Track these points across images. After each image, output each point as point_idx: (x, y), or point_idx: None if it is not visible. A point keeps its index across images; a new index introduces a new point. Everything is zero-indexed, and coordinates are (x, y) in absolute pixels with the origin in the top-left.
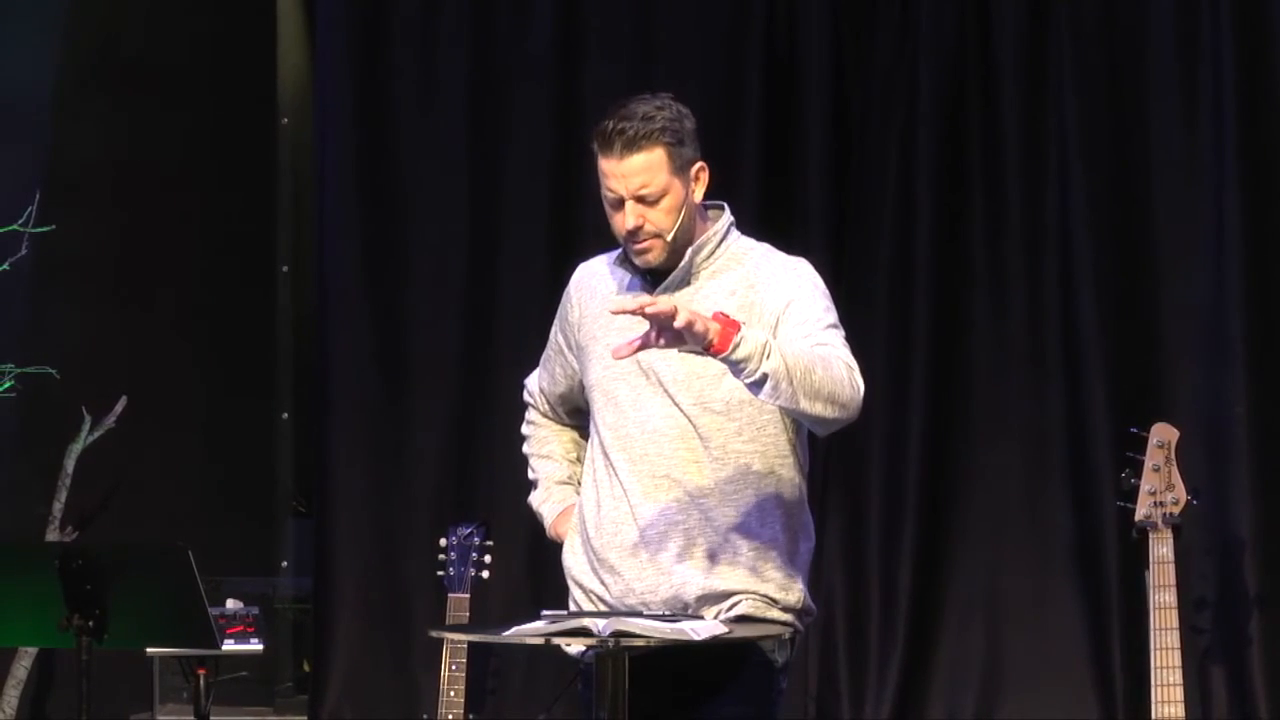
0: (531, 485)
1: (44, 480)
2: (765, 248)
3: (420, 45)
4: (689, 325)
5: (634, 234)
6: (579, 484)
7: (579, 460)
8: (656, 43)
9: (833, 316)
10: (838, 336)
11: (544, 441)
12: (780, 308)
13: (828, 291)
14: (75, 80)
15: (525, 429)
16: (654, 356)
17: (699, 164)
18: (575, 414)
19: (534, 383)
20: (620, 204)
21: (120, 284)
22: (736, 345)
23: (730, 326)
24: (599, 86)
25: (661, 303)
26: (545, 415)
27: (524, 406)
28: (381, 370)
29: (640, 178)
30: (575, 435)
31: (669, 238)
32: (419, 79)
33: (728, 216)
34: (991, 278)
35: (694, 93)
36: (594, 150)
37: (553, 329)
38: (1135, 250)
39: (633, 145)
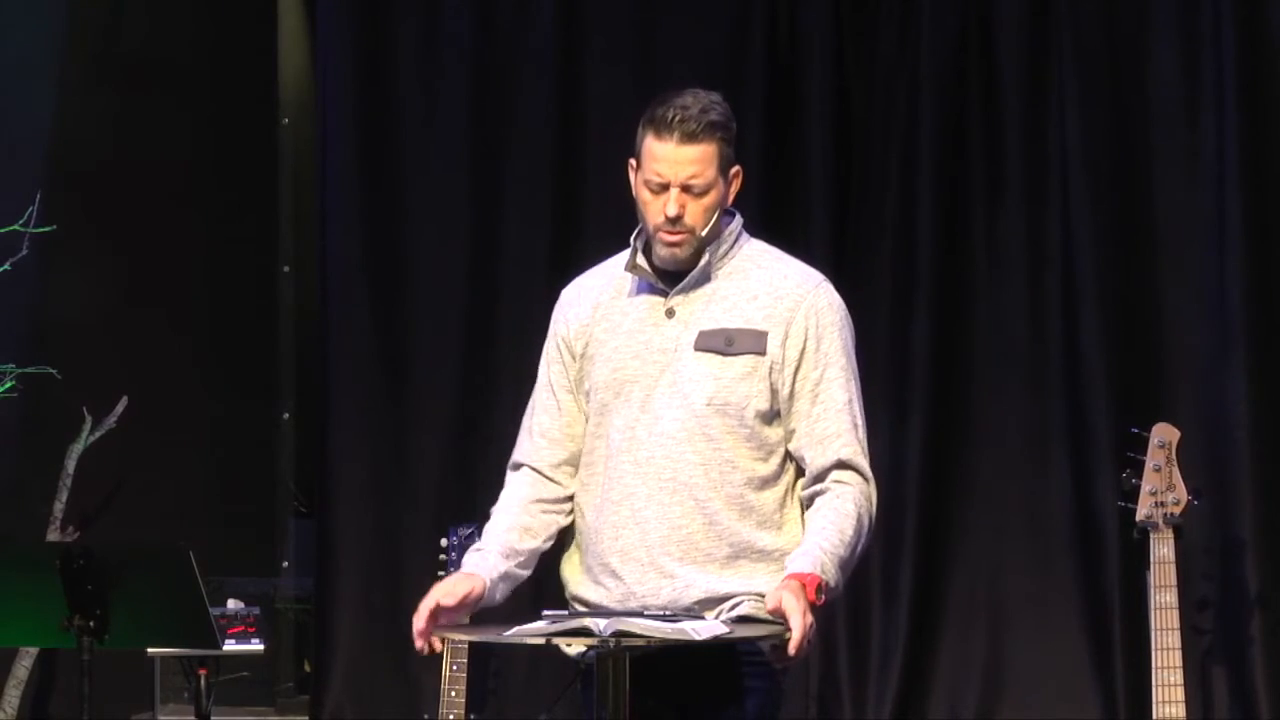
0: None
1: (45, 480)
2: (778, 251)
3: (421, 45)
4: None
5: (673, 222)
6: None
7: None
8: (658, 41)
9: (854, 384)
10: (853, 419)
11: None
12: (811, 346)
13: (849, 324)
14: (76, 80)
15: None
16: (672, 357)
17: (736, 167)
18: (572, 465)
19: (523, 446)
20: (663, 189)
21: (121, 284)
22: (823, 591)
23: (811, 581)
24: (601, 86)
25: (795, 639)
26: (524, 485)
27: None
28: (383, 370)
29: (693, 168)
30: (529, 525)
31: (701, 233)
32: (420, 79)
33: (739, 219)
34: (993, 277)
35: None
36: (643, 134)
37: (542, 368)
38: (1137, 250)
39: (693, 136)
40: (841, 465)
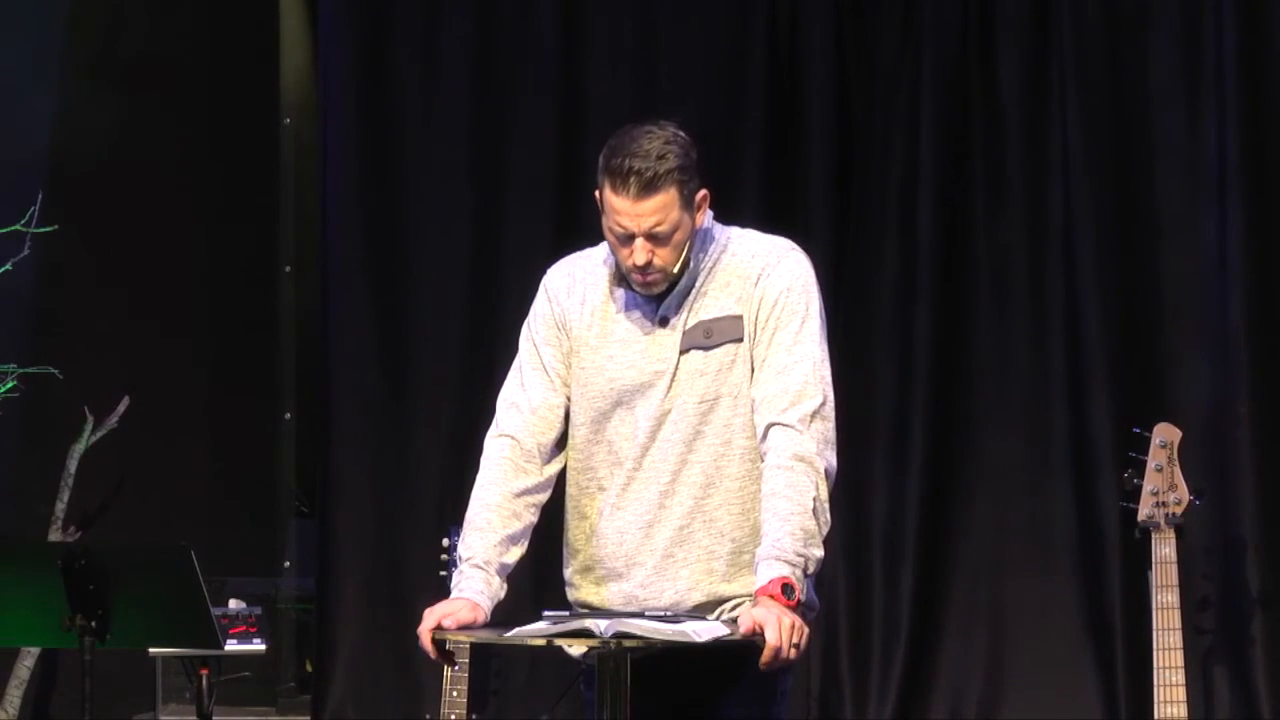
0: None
1: (46, 480)
2: (752, 232)
3: (423, 44)
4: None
5: (644, 269)
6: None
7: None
8: (658, 42)
9: (806, 346)
10: (792, 381)
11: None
12: (764, 314)
13: (815, 285)
14: (77, 80)
15: (477, 490)
16: (667, 364)
17: (702, 192)
18: (556, 448)
19: (512, 419)
20: (630, 239)
21: (122, 284)
22: (791, 589)
23: (774, 588)
24: (602, 85)
25: (767, 656)
26: (508, 464)
27: (488, 458)
28: (384, 370)
29: (655, 218)
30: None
31: (675, 269)
32: (421, 78)
33: (709, 215)
34: (994, 278)
35: (695, 92)
36: (601, 182)
37: (528, 346)
38: (1138, 250)
39: (650, 188)
40: (770, 428)
